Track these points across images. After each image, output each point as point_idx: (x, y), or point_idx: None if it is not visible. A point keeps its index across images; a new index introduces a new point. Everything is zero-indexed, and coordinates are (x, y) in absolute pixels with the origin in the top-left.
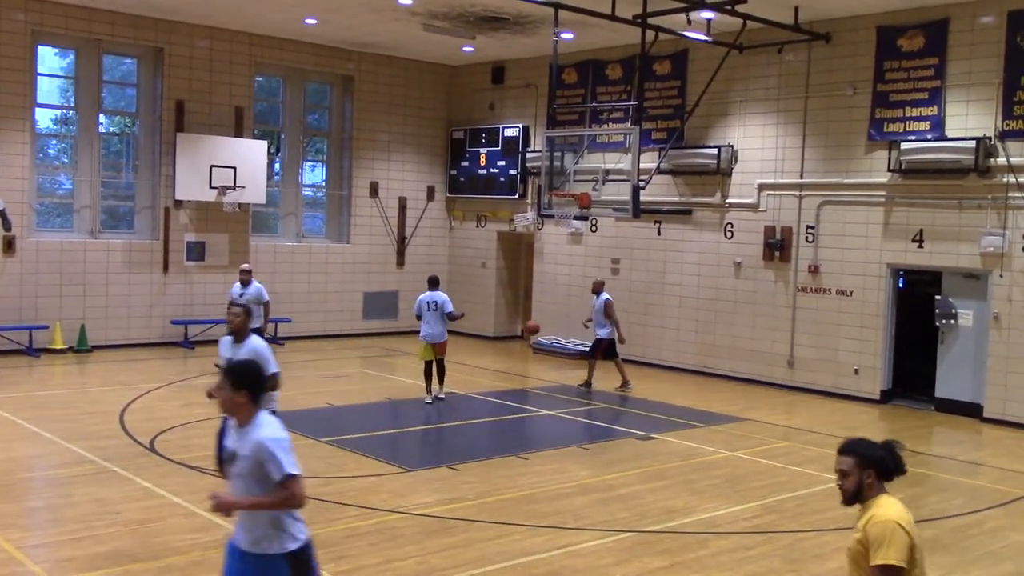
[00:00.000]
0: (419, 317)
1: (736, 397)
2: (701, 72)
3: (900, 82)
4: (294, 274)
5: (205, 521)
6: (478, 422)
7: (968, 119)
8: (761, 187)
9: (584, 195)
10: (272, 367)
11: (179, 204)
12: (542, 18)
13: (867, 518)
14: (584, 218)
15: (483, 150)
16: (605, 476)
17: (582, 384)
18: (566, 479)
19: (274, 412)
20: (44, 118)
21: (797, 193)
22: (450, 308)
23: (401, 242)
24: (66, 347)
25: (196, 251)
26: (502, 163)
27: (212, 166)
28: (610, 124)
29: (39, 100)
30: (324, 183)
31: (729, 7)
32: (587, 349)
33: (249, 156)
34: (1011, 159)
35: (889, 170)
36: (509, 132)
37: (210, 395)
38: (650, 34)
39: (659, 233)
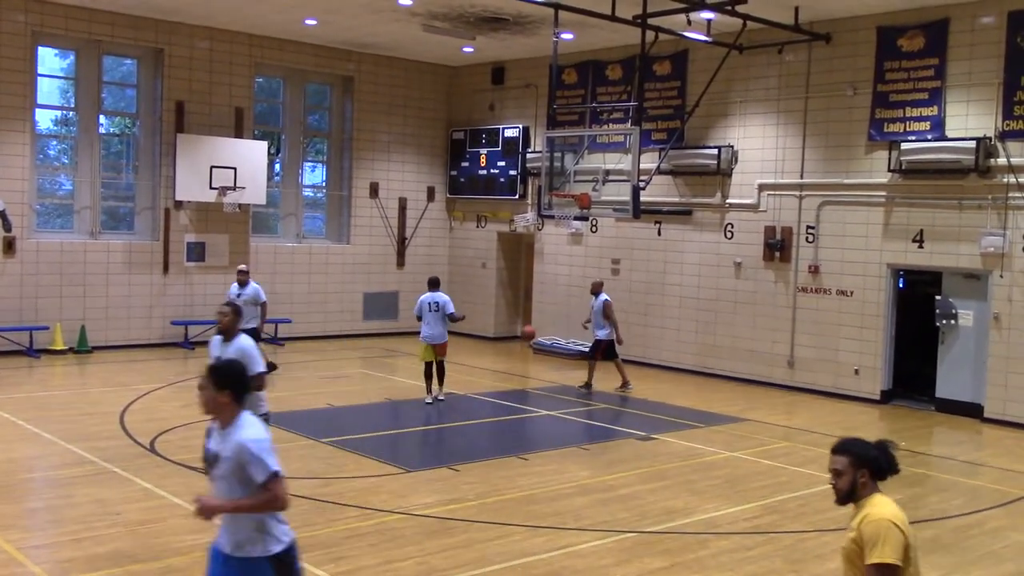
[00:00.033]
0: (419, 318)
1: (736, 397)
2: (701, 72)
3: (900, 82)
4: (294, 275)
5: (205, 522)
6: (478, 423)
7: (968, 119)
8: (761, 187)
9: (584, 195)
10: (258, 367)
11: (179, 205)
12: (542, 18)
13: (861, 517)
14: (584, 218)
15: (483, 150)
16: (605, 476)
17: (582, 385)
18: (566, 479)
19: (266, 414)
20: (44, 119)
21: (797, 193)
22: (451, 309)
23: (401, 243)
24: (66, 348)
25: (196, 252)
26: (502, 163)
27: (212, 167)
28: (610, 124)
29: (39, 101)
30: (324, 184)
31: (729, 8)
32: (587, 350)
33: (249, 157)
34: (1011, 159)
35: (889, 170)
36: (509, 132)
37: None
38: (650, 34)
39: (659, 233)
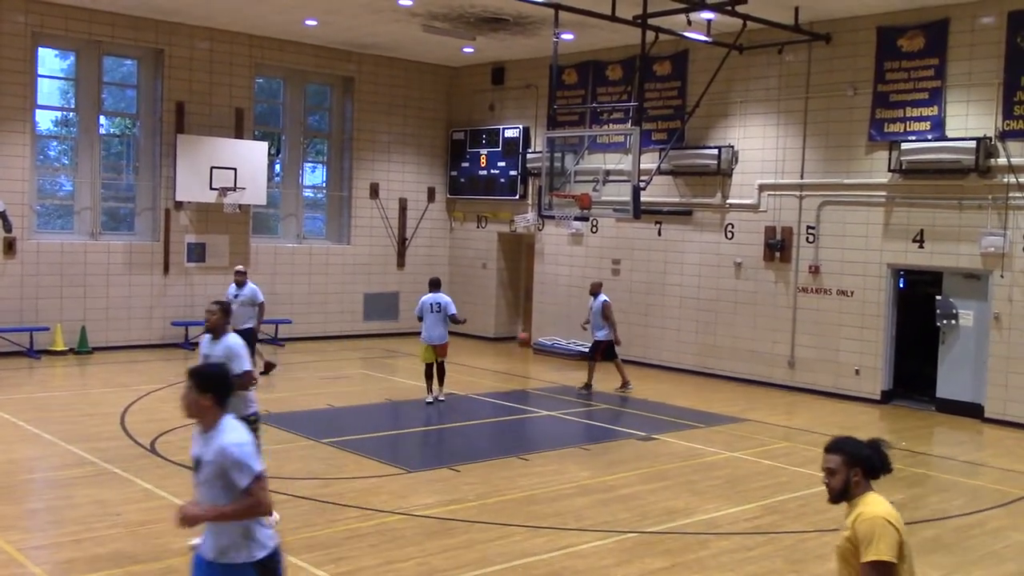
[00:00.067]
0: (420, 319)
1: (737, 398)
2: (701, 73)
3: (900, 82)
4: (294, 275)
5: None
6: (479, 423)
7: (968, 119)
8: (761, 187)
9: (584, 196)
10: (245, 365)
11: (179, 205)
12: (542, 19)
13: (855, 516)
14: (584, 219)
15: (483, 151)
16: (606, 477)
17: (582, 387)
18: (567, 480)
19: (256, 413)
20: (44, 120)
21: (797, 193)
22: (453, 310)
23: (402, 243)
24: (67, 349)
25: (196, 252)
26: (502, 164)
27: (212, 167)
28: (610, 125)
29: (39, 102)
30: (324, 184)
31: (729, 8)
32: (587, 350)
33: (249, 157)
34: (1011, 159)
35: (889, 170)
36: (509, 133)
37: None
38: (650, 35)
39: (660, 234)
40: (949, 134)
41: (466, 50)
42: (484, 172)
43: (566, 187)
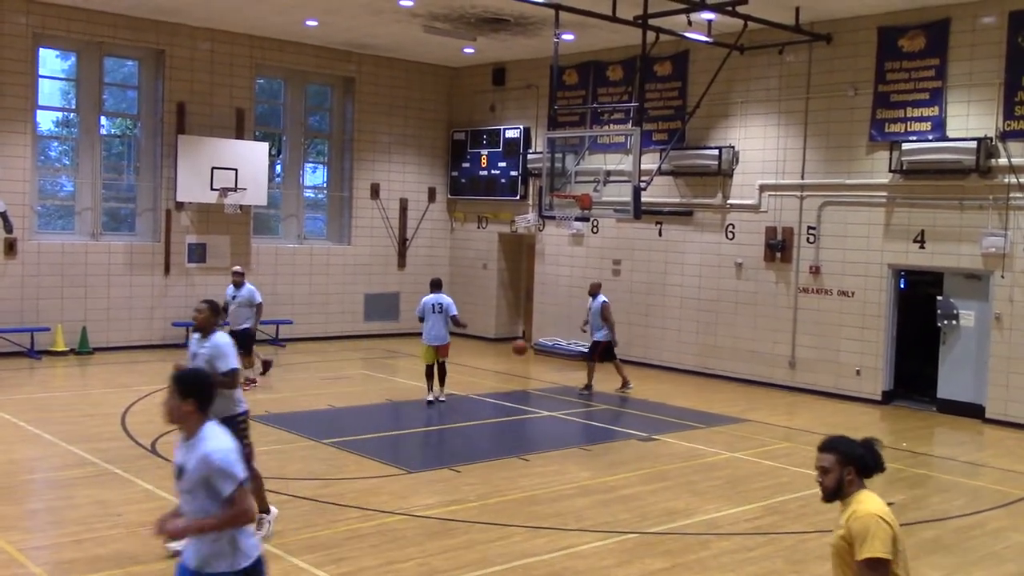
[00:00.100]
0: (422, 319)
1: (737, 398)
2: (702, 73)
3: (901, 83)
4: (295, 276)
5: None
6: (479, 423)
7: (969, 119)
8: (762, 188)
9: (585, 196)
10: (231, 363)
11: (180, 206)
12: (543, 19)
13: (849, 514)
14: (585, 219)
15: (484, 151)
16: (606, 477)
17: (583, 387)
18: (567, 480)
19: (245, 412)
20: (45, 120)
21: (798, 194)
22: (454, 311)
23: (402, 244)
24: (67, 349)
25: (197, 253)
26: (503, 164)
27: (213, 168)
28: (611, 125)
29: (40, 102)
30: (325, 185)
31: (730, 8)
32: (587, 351)
33: (250, 158)
34: (1012, 159)
35: (890, 171)
36: (510, 133)
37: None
38: (651, 35)
39: (660, 234)
40: (950, 134)
41: (467, 51)
42: (485, 172)
43: (567, 187)
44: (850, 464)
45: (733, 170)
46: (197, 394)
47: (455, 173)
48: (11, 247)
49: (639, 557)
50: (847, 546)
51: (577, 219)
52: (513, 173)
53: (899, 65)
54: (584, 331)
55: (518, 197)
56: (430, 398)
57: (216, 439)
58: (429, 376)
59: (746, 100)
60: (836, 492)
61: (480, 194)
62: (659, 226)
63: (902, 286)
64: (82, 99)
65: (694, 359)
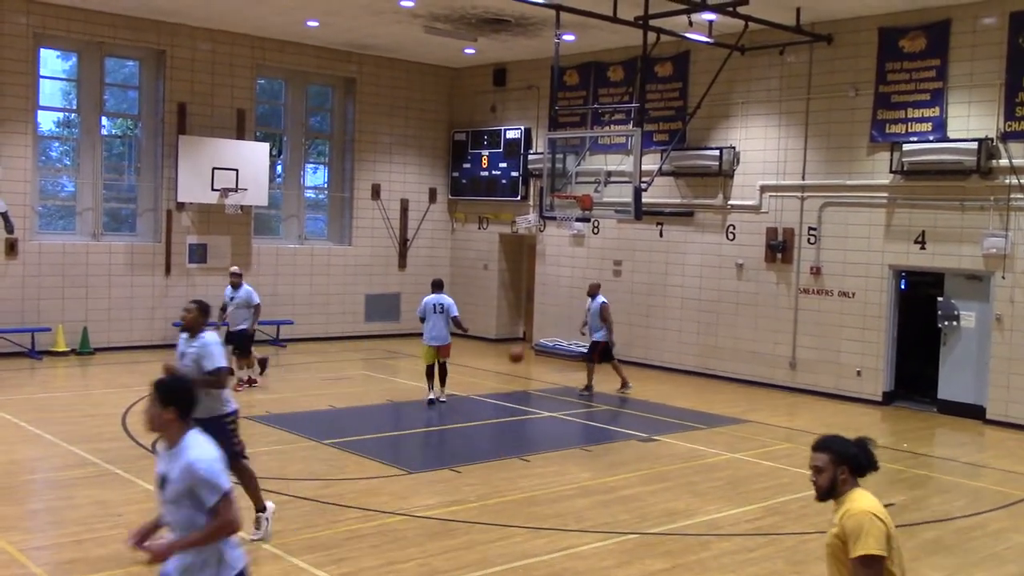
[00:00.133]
0: (423, 320)
1: (738, 399)
2: (703, 74)
3: (902, 83)
4: (296, 276)
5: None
6: (480, 424)
7: (970, 120)
8: (763, 189)
9: (586, 197)
10: (218, 362)
11: (181, 206)
12: (543, 20)
13: (842, 512)
14: (586, 220)
15: (485, 152)
16: (607, 478)
17: (583, 388)
18: (567, 481)
19: (235, 411)
20: (46, 121)
21: (799, 195)
22: (455, 312)
23: (403, 244)
24: (68, 349)
25: (198, 253)
26: (504, 165)
27: (214, 168)
28: (612, 126)
29: (41, 103)
30: (326, 185)
31: (731, 9)
32: (586, 352)
33: (251, 158)
34: (1013, 160)
35: (891, 171)
36: (511, 134)
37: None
38: (651, 36)
39: (661, 235)
40: (951, 135)
41: (467, 51)
42: (485, 173)
43: (567, 188)
44: (844, 463)
45: (734, 171)
46: (178, 401)
47: (456, 174)
48: (12, 247)
49: (639, 558)
50: (841, 544)
51: (578, 220)
52: (514, 174)
53: (900, 66)
54: (583, 334)
55: (519, 198)
56: (431, 396)
57: (200, 448)
58: (430, 376)
59: (747, 101)
60: (830, 491)
61: (481, 195)
62: (660, 227)
63: (903, 287)
64: (83, 99)
65: (695, 360)
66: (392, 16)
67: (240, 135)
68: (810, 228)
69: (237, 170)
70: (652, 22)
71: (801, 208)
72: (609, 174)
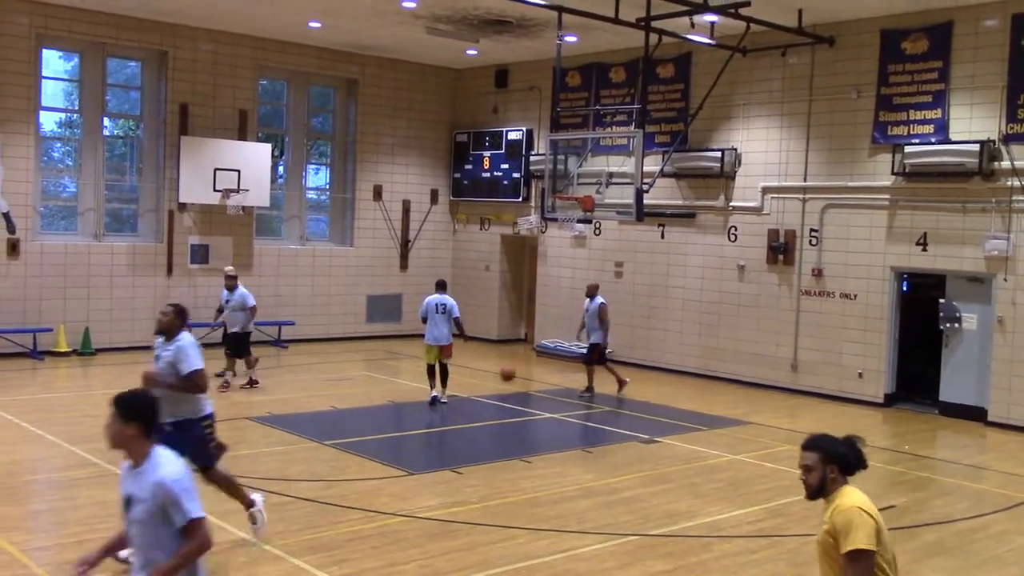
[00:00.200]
0: (424, 320)
1: (739, 400)
2: (704, 75)
3: (904, 85)
4: (298, 277)
5: (210, 523)
6: (481, 425)
7: (972, 122)
8: (765, 190)
9: (588, 198)
10: (195, 364)
11: (183, 207)
12: (545, 21)
13: (832, 509)
14: (588, 221)
15: (487, 153)
16: (608, 479)
17: (584, 390)
18: (569, 482)
19: (211, 416)
20: (48, 121)
21: (801, 196)
22: (457, 313)
23: (405, 245)
24: (70, 350)
25: (200, 254)
26: (505, 166)
27: (216, 169)
28: (614, 127)
29: (43, 103)
30: (328, 186)
31: (732, 10)
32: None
33: (253, 159)
34: (1015, 162)
35: (893, 173)
36: (513, 135)
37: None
38: (653, 37)
39: (662, 236)
40: (953, 137)
41: (469, 52)
42: (487, 174)
43: (569, 189)
44: (833, 462)
45: (735, 172)
46: (140, 416)
47: (457, 175)
48: (14, 248)
49: (641, 559)
50: (832, 541)
51: (579, 221)
52: (515, 175)
53: (902, 68)
54: (580, 338)
55: (520, 199)
56: (434, 394)
57: (169, 464)
58: (431, 375)
59: (748, 102)
60: (819, 490)
61: (482, 196)
62: (661, 228)
63: (904, 289)
64: (85, 100)
65: (696, 361)
66: (394, 17)
67: (242, 136)
68: (812, 230)
69: (239, 171)
70: (654, 23)
71: (803, 210)
72: (611, 175)
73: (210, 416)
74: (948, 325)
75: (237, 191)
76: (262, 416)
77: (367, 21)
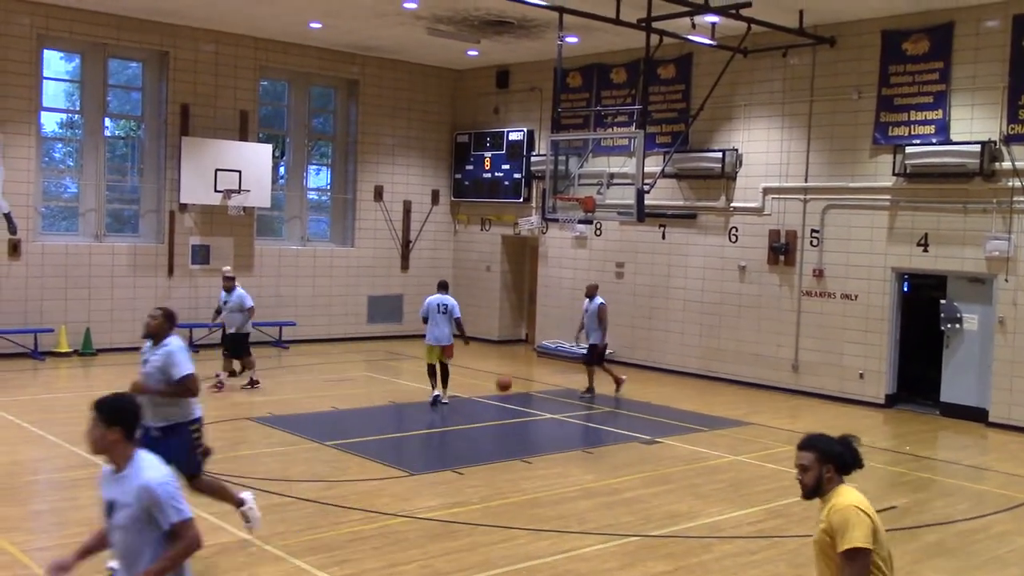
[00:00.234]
0: (425, 320)
1: (740, 401)
2: (705, 76)
3: (905, 86)
4: (299, 278)
5: (210, 525)
6: (482, 426)
7: (973, 123)
8: (766, 191)
9: (589, 199)
10: (185, 369)
11: (184, 208)
12: (547, 22)
13: (828, 508)
14: (588, 222)
15: (488, 154)
16: (609, 480)
17: (585, 391)
18: (570, 483)
19: (199, 419)
20: (50, 122)
21: (802, 197)
22: (458, 313)
23: (406, 246)
24: (71, 350)
25: (201, 254)
26: (506, 167)
27: (217, 170)
28: (614, 128)
29: (45, 104)
30: (329, 187)
31: (734, 11)
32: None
33: (254, 160)
34: (1016, 163)
35: (894, 174)
36: (514, 136)
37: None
38: (654, 38)
39: (663, 237)
40: (954, 138)
41: (470, 53)
42: (488, 175)
43: (570, 190)
44: (829, 462)
45: (736, 173)
46: (123, 421)
47: (458, 175)
48: (15, 248)
49: (641, 560)
50: (829, 540)
51: (580, 222)
52: (516, 175)
53: (903, 68)
54: (579, 340)
55: (521, 199)
56: (436, 393)
57: (153, 468)
58: (432, 374)
59: (750, 103)
60: (815, 489)
61: (483, 196)
62: (662, 229)
63: (905, 289)
64: (86, 101)
65: (697, 362)
66: (395, 18)
67: (243, 136)
68: (813, 230)
69: (240, 171)
70: (655, 24)
71: (804, 210)
72: (612, 176)
73: (198, 420)
74: (949, 326)
75: (238, 192)
76: (263, 416)
77: (368, 22)
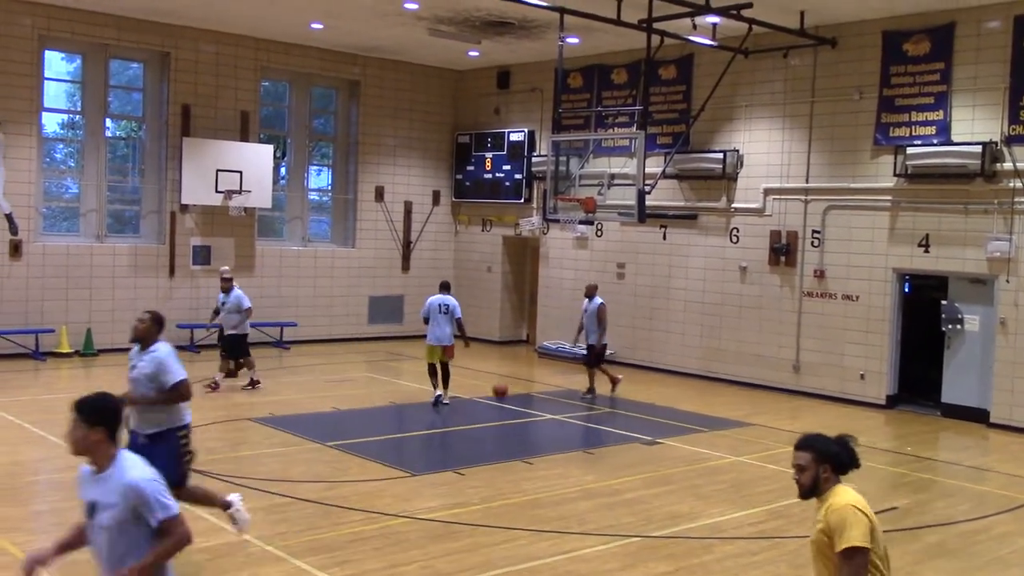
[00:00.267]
0: (426, 320)
1: (741, 402)
2: (706, 77)
3: (906, 87)
4: (300, 278)
5: (210, 525)
6: (483, 426)
7: (974, 124)
8: (767, 192)
9: (589, 199)
10: (178, 375)
11: (185, 208)
12: (548, 23)
13: (825, 508)
14: (589, 222)
15: (489, 154)
16: (610, 481)
17: (585, 392)
18: (571, 484)
19: (187, 426)
20: (51, 122)
21: (803, 198)
22: (459, 314)
23: (407, 246)
24: (72, 351)
25: (202, 255)
26: (507, 167)
27: (218, 170)
28: (615, 129)
29: (46, 104)
30: (330, 187)
31: (735, 12)
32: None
33: (255, 160)
34: (1017, 164)
35: (895, 175)
36: (515, 137)
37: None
38: (655, 39)
39: (664, 238)
40: (955, 138)
41: (471, 54)
42: (489, 176)
43: (571, 191)
44: (826, 461)
45: (737, 174)
46: (105, 420)
47: (459, 176)
48: (16, 249)
49: (642, 561)
50: (827, 540)
51: (581, 222)
52: (517, 176)
53: (904, 69)
54: (578, 341)
55: (522, 200)
56: (438, 394)
57: (138, 468)
58: (432, 374)
59: (750, 104)
60: (812, 489)
61: (484, 197)
62: (663, 229)
63: (907, 290)
64: (87, 101)
65: (698, 363)
66: (396, 18)
67: (244, 137)
68: (814, 231)
69: (241, 172)
70: (656, 25)
71: (805, 211)
72: (612, 177)
73: (187, 427)
74: (950, 326)
75: (239, 192)
76: (264, 417)
77: (369, 22)
